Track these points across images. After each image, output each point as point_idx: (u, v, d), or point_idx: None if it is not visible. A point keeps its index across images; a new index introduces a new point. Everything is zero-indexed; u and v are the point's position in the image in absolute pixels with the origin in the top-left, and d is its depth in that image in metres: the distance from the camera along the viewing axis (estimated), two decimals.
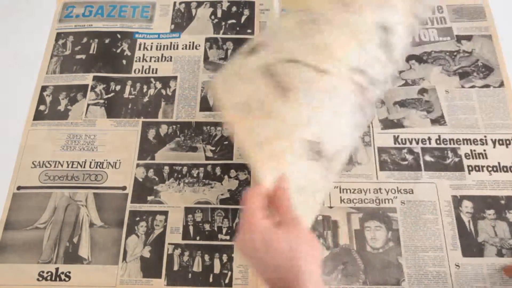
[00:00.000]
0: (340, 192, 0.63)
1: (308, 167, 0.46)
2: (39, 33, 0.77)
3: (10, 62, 0.75)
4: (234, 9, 0.79)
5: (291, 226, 0.41)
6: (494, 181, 0.63)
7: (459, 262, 0.58)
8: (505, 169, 0.64)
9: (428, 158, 0.65)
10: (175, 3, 0.80)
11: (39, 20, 0.79)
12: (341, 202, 0.62)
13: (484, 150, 0.65)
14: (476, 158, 0.65)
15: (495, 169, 0.64)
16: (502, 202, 0.61)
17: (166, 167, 0.66)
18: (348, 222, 0.61)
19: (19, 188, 0.64)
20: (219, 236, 0.61)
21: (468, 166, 0.64)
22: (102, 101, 0.71)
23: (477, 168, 0.64)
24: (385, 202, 0.62)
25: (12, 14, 0.80)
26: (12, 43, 0.77)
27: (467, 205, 0.61)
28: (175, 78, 0.73)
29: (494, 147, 0.65)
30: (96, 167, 0.66)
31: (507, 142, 0.66)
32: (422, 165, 0.64)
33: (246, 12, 0.79)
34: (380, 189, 0.63)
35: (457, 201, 0.62)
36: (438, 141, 0.66)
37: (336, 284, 0.57)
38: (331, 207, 0.62)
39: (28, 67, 0.74)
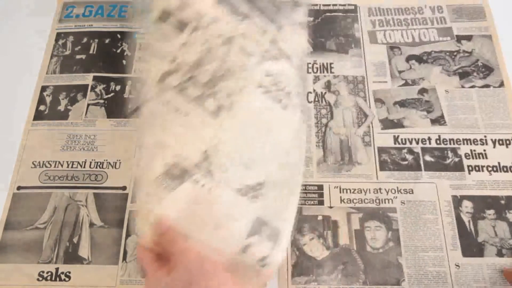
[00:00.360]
0: (340, 192, 0.63)
1: (185, 192, 0.45)
2: (39, 33, 0.77)
3: (10, 62, 0.75)
4: None
5: (181, 262, 0.40)
6: (494, 181, 0.63)
7: (459, 262, 0.58)
8: (505, 169, 0.64)
9: (428, 158, 0.65)
10: None
11: (39, 20, 0.79)
12: (341, 202, 0.62)
13: (484, 150, 0.65)
14: (476, 158, 0.65)
15: (495, 169, 0.64)
16: (502, 202, 0.61)
17: None
18: (348, 222, 0.61)
19: (19, 188, 0.64)
20: None
21: (468, 166, 0.64)
22: (102, 101, 0.71)
23: (477, 168, 0.64)
24: (385, 202, 0.62)
25: (12, 14, 0.80)
26: (12, 43, 0.77)
27: (467, 205, 0.61)
28: None
29: (494, 147, 0.65)
30: (96, 167, 0.66)
31: (507, 142, 0.66)
32: (422, 165, 0.64)
33: None
34: (380, 189, 0.63)
35: (457, 201, 0.62)
36: (438, 141, 0.66)
37: (336, 284, 0.57)
38: (331, 207, 0.62)
39: (28, 67, 0.74)
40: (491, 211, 0.61)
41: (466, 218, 0.61)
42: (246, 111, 0.49)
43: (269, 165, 0.49)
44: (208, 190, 0.45)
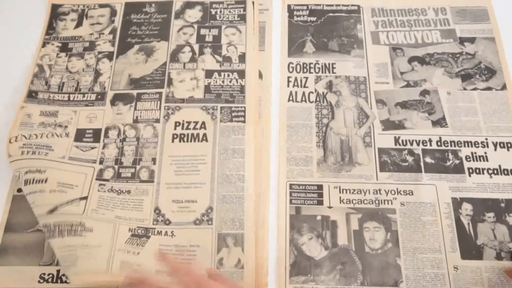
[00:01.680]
0: (340, 192, 0.63)
1: (154, 242, 0.58)
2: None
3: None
4: None
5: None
6: (495, 184, 0.63)
7: (458, 265, 0.58)
8: (505, 172, 0.64)
9: (428, 159, 0.65)
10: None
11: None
12: (340, 202, 0.62)
13: (485, 153, 0.65)
14: (477, 161, 0.65)
15: (495, 172, 0.64)
16: (502, 205, 0.61)
17: None
18: (347, 222, 0.61)
19: (19, 190, 0.63)
20: None
21: (469, 169, 0.64)
22: None
23: (477, 170, 0.64)
24: (384, 203, 0.62)
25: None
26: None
27: (466, 208, 0.61)
28: None
29: (495, 150, 0.65)
30: None
31: (508, 145, 0.65)
32: (423, 167, 0.64)
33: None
34: (379, 190, 0.63)
35: (457, 203, 0.62)
36: (439, 143, 0.66)
37: (334, 284, 0.57)
38: (330, 207, 0.62)
39: None
40: (491, 214, 0.61)
41: (465, 221, 0.61)
42: (170, 159, 0.63)
43: (207, 187, 0.61)
44: (171, 233, 0.59)
